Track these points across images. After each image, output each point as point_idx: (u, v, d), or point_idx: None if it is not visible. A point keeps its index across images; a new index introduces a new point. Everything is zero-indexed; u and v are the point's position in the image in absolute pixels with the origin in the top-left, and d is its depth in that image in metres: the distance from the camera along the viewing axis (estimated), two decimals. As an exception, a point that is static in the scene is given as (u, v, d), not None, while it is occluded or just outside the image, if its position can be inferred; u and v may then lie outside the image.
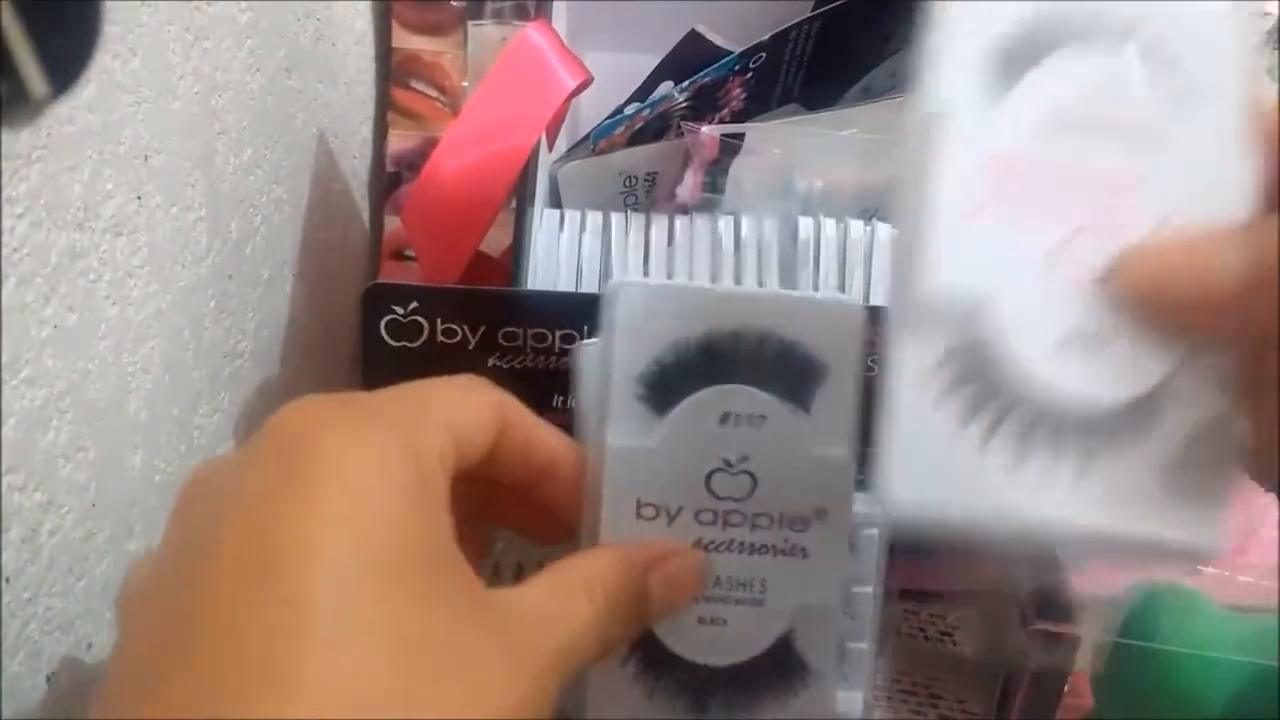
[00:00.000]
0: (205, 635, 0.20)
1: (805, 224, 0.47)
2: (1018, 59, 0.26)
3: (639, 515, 0.31)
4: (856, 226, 0.47)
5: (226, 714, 0.19)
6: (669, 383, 0.31)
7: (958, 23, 0.26)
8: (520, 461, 0.28)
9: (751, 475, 0.31)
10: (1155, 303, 0.24)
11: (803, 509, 0.32)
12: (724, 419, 0.31)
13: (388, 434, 0.23)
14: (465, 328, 0.40)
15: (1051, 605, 0.44)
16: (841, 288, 0.46)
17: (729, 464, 0.31)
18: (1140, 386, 0.25)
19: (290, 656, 0.19)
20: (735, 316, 0.31)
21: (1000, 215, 0.25)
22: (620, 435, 0.31)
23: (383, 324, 0.40)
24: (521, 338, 0.39)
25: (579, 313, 0.39)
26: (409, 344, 0.40)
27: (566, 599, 0.26)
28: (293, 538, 0.21)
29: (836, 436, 0.31)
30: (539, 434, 0.28)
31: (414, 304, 0.39)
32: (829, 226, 0.47)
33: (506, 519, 0.31)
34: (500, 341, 0.40)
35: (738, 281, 0.47)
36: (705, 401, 0.31)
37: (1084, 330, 0.25)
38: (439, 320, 0.39)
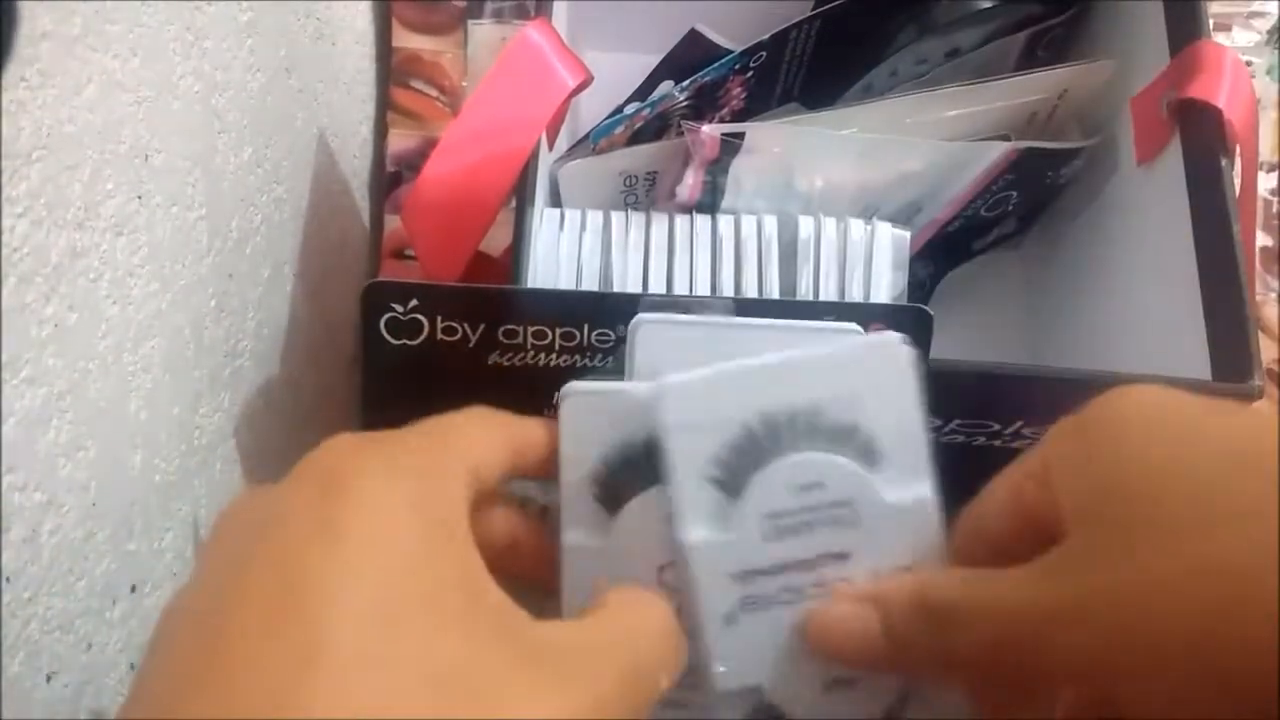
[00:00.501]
0: (224, 667, 0.20)
1: (805, 223, 0.47)
2: (738, 475, 0.31)
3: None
4: (857, 226, 0.47)
5: None
6: (618, 483, 0.31)
7: (681, 454, 0.31)
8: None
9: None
10: (826, 652, 0.30)
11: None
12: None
13: (417, 473, 0.24)
14: (465, 325, 0.39)
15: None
16: (842, 287, 0.46)
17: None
18: (885, 703, 0.32)
19: (303, 689, 0.20)
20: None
21: (753, 613, 0.31)
22: (575, 535, 0.32)
23: (382, 322, 0.40)
24: (522, 335, 0.39)
25: (579, 311, 0.39)
26: (409, 342, 0.40)
27: (638, 615, 0.26)
28: (318, 580, 0.21)
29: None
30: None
31: (414, 302, 0.39)
32: (829, 226, 0.47)
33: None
34: (500, 339, 0.40)
35: (738, 281, 0.46)
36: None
37: (838, 677, 0.31)
38: (439, 318, 0.39)
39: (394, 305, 0.39)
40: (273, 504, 0.24)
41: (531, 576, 0.30)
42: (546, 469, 0.32)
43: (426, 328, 0.40)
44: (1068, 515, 0.26)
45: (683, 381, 0.31)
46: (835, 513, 0.31)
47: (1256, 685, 0.22)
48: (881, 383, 0.31)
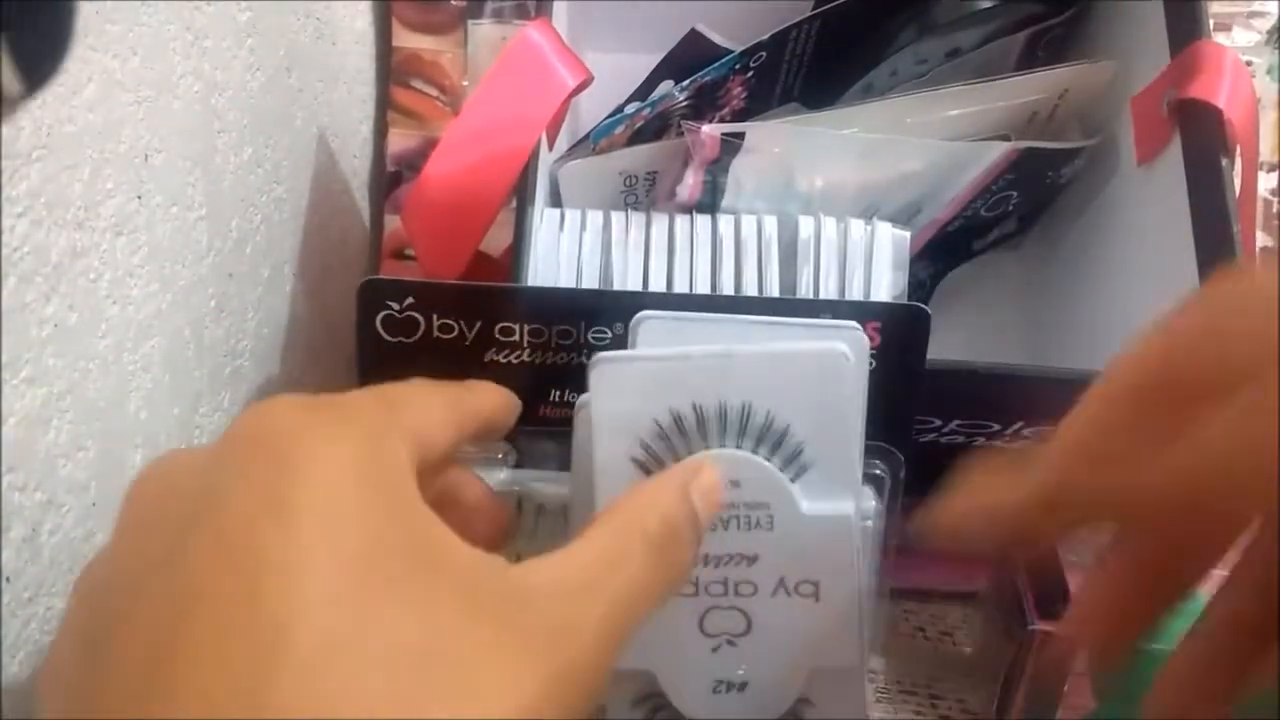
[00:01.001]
0: (188, 669, 0.19)
1: (806, 223, 0.47)
2: (660, 460, 0.31)
3: None
4: (857, 226, 0.47)
5: None
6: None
7: (608, 431, 0.31)
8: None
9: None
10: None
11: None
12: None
13: (360, 436, 0.23)
14: (462, 323, 0.39)
15: (1051, 605, 0.44)
16: (842, 287, 0.46)
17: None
18: (777, 713, 0.33)
19: (271, 687, 0.19)
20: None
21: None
22: None
23: (379, 319, 0.40)
24: (518, 333, 0.39)
25: (576, 308, 0.39)
26: (405, 339, 0.40)
27: (619, 545, 0.25)
28: (274, 566, 0.20)
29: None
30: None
31: (410, 299, 0.39)
32: (829, 225, 0.47)
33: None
34: (497, 337, 0.40)
35: (738, 280, 0.46)
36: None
37: (728, 678, 0.32)
38: (435, 316, 0.39)
39: (390, 303, 0.39)
40: (209, 476, 0.22)
41: (488, 543, 0.29)
42: (492, 435, 0.31)
43: (423, 325, 0.40)
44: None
45: (619, 359, 0.31)
46: (750, 514, 0.31)
47: None
48: (819, 391, 0.31)
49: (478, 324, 0.39)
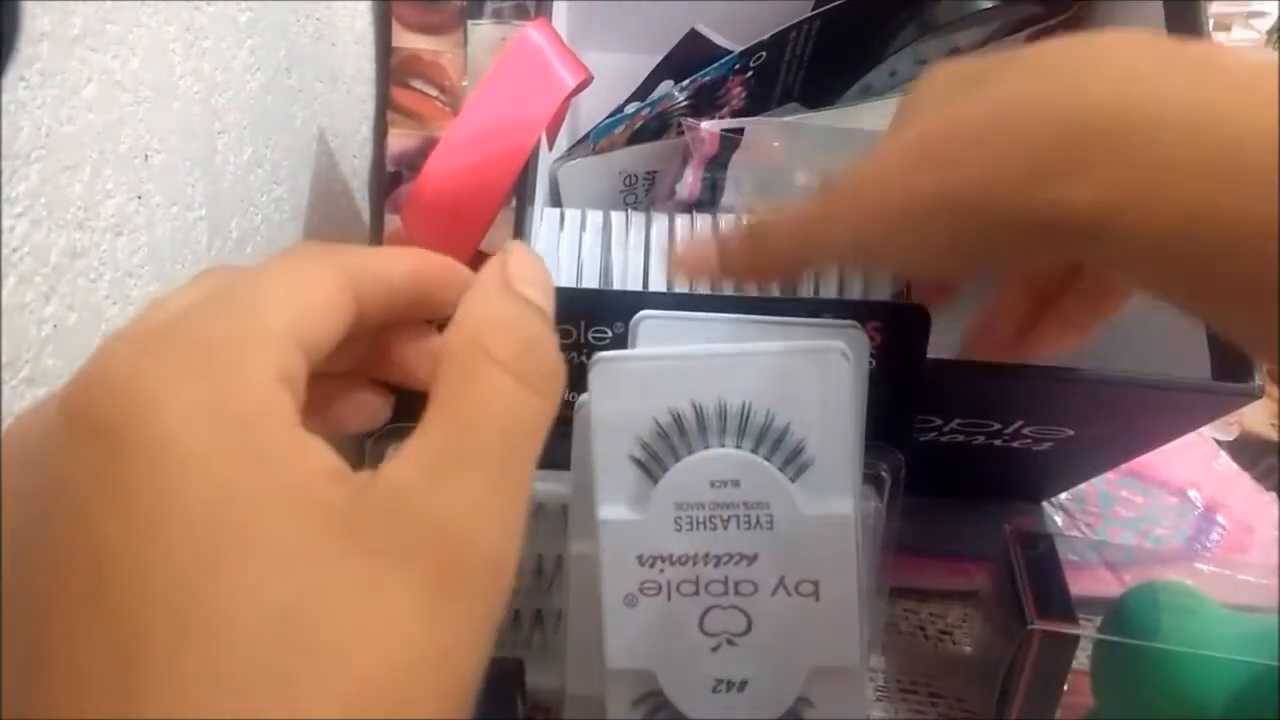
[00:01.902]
0: (51, 674, 0.18)
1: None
2: (660, 459, 0.31)
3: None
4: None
5: None
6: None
7: (607, 429, 0.31)
8: (389, 313, 0.24)
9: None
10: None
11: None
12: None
13: (204, 375, 0.20)
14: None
15: (1051, 605, 0.44)
16: (841, 284, 0.46)
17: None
18: (776, 712, 0.33)
19: (132, 684, 0.18)
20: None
21: (654, 599, 0.32)
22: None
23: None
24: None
25: (576, 308, 0.39)
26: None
27: (470, 390, 0.21)
28: (116, 550, 0.18)
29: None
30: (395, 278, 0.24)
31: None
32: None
33: (389, 371, 0.27)
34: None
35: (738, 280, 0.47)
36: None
37: (728, 677, 0.32)
38: (437, 317, 0.39)
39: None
40: (47, 459, 0.20)
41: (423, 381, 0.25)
42: (425, 306, 0.25)
43: (424, 326, 0.40)
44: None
45: (619, 358, 0.31)
46: (750, 514, 0.31)
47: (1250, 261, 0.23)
48: (819, 390, 0.31)
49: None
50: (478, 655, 0.20)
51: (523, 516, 0.21)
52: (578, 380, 0.33)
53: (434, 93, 0.62)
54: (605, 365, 0.31)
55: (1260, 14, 0.66)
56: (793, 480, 0.31)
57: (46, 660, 0.18)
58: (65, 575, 0.18)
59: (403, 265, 0.25)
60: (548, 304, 0.23)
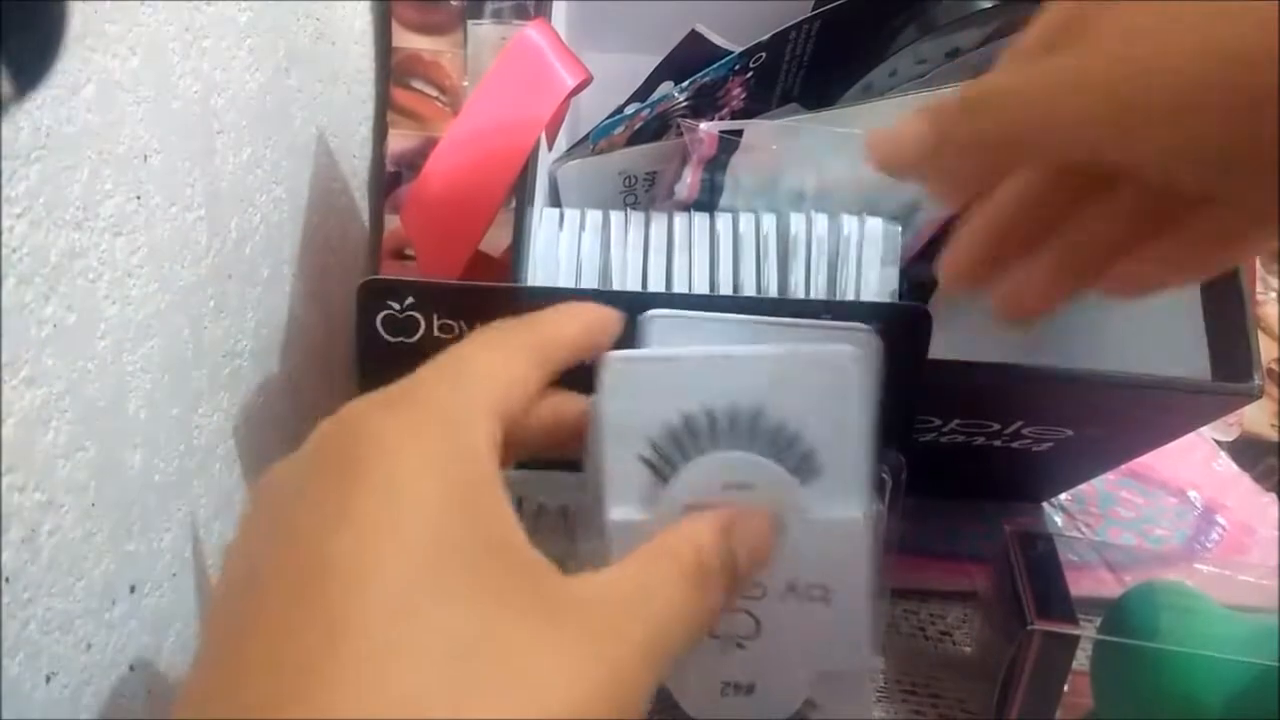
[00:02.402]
0: (245, 661, 0.21)
1: (797, 220, 0.47)
2: (670, 461, 0.30)
3: None
4: (849, 221, 0.47)
5: None
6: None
7: (617, 428, 0.30)
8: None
9: None
10: (884, 162, 0.30)
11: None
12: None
13: (435, 431, 0.23)
14: (461, 323, 0.39)
15: (1051, 605, 0.44)
16: (833, 284, 0.46)
17: None
18: (783, 714, 0.33)
19: (323, 682, 0.20)
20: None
21: None
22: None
23: (379, 319, 0.40)
24: (520, 334, 0.39)
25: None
26: (405, 339, 0.40)
27: (655, 572, 0.25)
28: (338, 571, 0.21)
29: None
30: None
31: (410, 299, 0.39)
32: (820, 222, 0.47)
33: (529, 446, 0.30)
34: (498, 337, 0.40)
35: (735, 279, 0.46)
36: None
37: (735, 680, 0.32)
38: (435, 316, 0.39)
39: (390, 303, 0.39)
40: (293, 483, 0.23)
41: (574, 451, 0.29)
42: (593, 353, 0.30)
43: (423, 325, 0.40)
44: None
45: (631, 358, 0.31)
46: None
47: (1244, 145, 0.22)
48: (828, 395, 0.31)
49: (478, 324, 0.39)
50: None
51: (657, 674, 0.24)
52: (579, 379, 0.33)
53: (434, 93, 0.62)
54: (616, 365, 0.30)
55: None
56: (803, 484, 0.31)
57: (251, 640, 0.21)
58: (288, 578, 0.22)
59: (576, 324, 0.29)
60: (747, 565, 0.28)
